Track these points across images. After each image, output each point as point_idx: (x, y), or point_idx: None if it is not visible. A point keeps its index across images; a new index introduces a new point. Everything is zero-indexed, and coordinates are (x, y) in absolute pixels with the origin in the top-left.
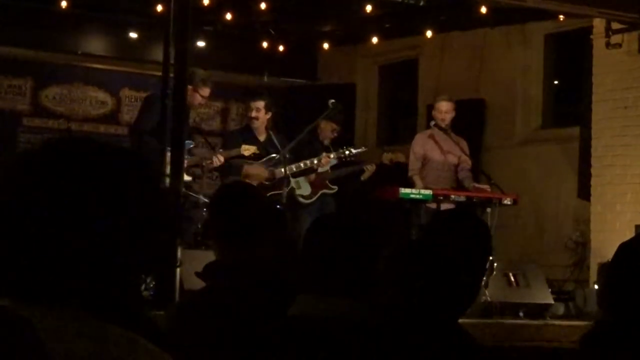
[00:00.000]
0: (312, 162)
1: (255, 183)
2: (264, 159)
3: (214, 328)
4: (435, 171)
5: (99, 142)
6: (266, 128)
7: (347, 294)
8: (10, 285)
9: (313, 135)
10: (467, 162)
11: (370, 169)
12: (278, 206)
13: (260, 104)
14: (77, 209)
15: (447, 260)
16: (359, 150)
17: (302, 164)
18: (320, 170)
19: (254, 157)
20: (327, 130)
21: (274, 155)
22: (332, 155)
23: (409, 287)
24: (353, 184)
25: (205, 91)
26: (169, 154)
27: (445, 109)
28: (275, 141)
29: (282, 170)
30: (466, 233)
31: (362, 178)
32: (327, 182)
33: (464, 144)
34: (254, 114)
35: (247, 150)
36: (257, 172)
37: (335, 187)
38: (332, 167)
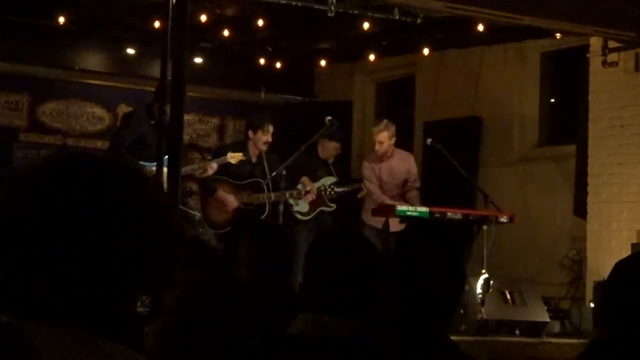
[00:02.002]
0: (291, 194)
1: (230, 208)
2: (246, 182)
3: (205, 344)
4: (387, 191)
5: (97, 157)
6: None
7: (348, 313)
8: (9, 301)
9: (312, 153)
10: (416, 181)
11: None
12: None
13: (270, 127)
14: (76, 225)
15: (423, 274)
16: (342, 189)
17: (281, 194)
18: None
19: (241, 165)
20: (331, 149)
21: (258, 180)
22: (313, 194)
23: (396, 304)
24: (351, 202)
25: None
26: (153, 169)
27: (380, 139)
28: (265, 165)
29: (263, 197)
30: (434, 244)
31: (358, 196)
32: (325, 199)
33: (411, 160)
34: (266, 139)
35: (234, 157)
36: (229, 201)
37: (334, 205)
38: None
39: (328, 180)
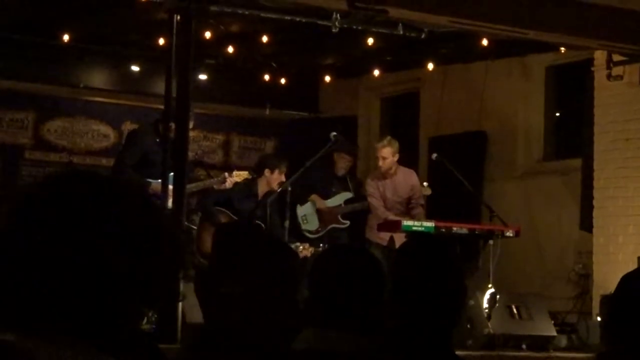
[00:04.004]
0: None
1: None
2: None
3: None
4: (390, 208)
5: (100, 175)
6: None
7: (352, 328)
8: (12, 318)
9: (325, 170)
10: (420, 198)
11: None
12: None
13: (285, 169)
14: (80, 242)
15: (422, 288)
16: (352, 206)
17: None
18: (331, 204)
19: (244, 201)
20: (343, 162)
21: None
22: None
23: (399, 318)
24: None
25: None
26: (158, 185)
27: (383, 155)
28: (267, 206)
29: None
30: (432, 258)
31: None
32: (338, 216)
33: (414, 177)
34: (282, 179)
35: (239, 175)
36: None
37: (347, 222)
38: (346, 202)
39: (344, 196)
